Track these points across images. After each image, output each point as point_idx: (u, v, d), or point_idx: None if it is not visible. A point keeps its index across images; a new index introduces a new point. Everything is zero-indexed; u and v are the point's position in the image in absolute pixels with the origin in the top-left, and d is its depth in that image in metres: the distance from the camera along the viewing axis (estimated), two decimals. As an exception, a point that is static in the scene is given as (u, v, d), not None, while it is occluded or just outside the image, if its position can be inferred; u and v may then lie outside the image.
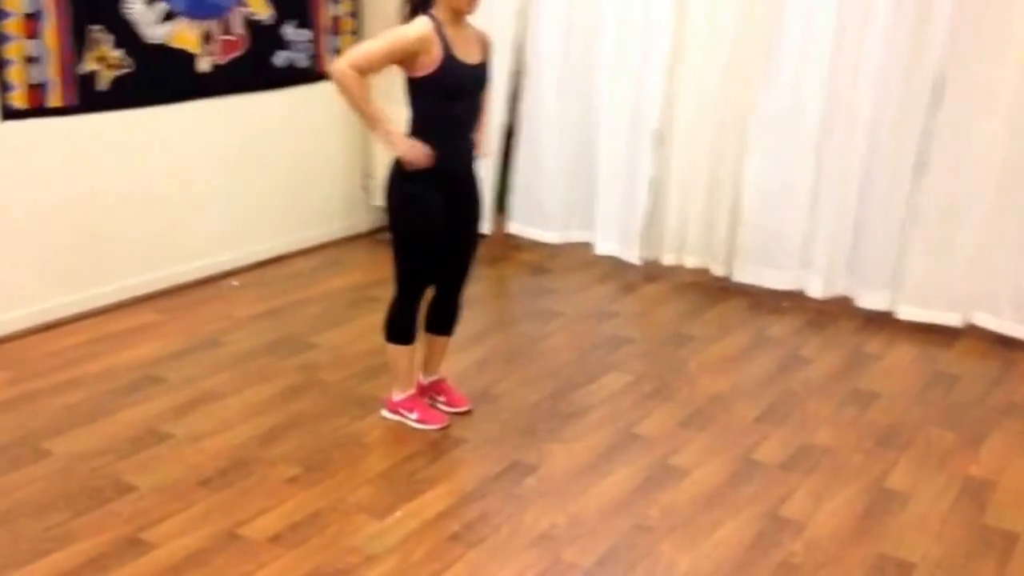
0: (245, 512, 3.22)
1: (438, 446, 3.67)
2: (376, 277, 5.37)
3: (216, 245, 5.34)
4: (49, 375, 4.17)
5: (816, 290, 5.00)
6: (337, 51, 5.75)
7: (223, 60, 5.15)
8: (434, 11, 3.45)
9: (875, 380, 4.29)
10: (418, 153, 3.46)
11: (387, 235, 3.71)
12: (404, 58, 3.40)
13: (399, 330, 3.75)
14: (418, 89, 3.48)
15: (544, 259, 5.70)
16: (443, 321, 3.86)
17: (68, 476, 3.42)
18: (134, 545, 3.04)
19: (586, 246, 5.66)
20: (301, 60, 5.57)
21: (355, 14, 5.80)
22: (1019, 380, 4.32)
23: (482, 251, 5.39)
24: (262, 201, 5.54)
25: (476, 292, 4.95)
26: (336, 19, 5.71)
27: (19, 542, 3.04)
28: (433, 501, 3.30)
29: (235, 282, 5.30)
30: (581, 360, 4.42)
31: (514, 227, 5.81)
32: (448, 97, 3.49)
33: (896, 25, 4.58)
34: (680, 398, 4.06)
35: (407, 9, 3.52)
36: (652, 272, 5.46)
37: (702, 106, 5.13)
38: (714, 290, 5.28)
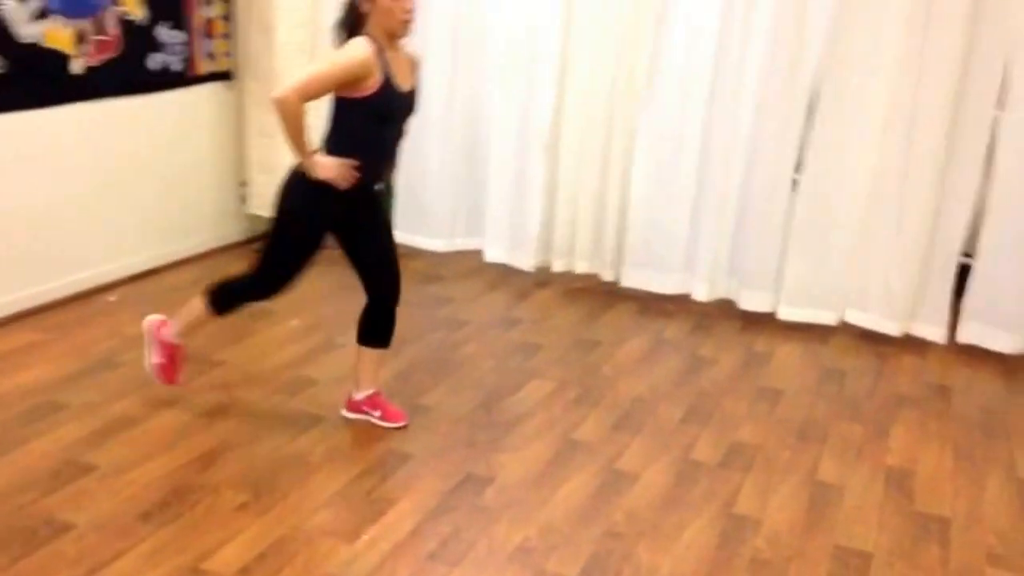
0: (202, 545, 3.06)
1: (386, 463, 3.61)
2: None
3: (89, 258, 5.01)
4: (-67, 405, 3.82)
5: (701, 294, 5.23)
6: (210, 55, 5.53)
7: (96, 62, 4.83)
8: (371, 31, 3.38)
9: (773, 378, 4.54)
10: (345, 171, 3.41)
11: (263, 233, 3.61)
12: (347, 82, 3.33)
13: (225, 303, 3.73)
14: (349, 110, 3.40)
15: (433, 267, 5.66)
16: (380, 333, 3.80)
17: (-7, 517, 3.15)
18: (94, 588, 2.84)
19: (473, 254, 5.68)
20: (175, 63, 5.30)
21: (228, 17, 5.58)
22: (897, 373, 4.67)
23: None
24: (135, 211, 5.24)
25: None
26: (209, 21, 5.47)
27: (-36, 594, 2.79)
28: (399, 520, 3.25)
29: (112, 297, 5.00)
30: (500, 368, 4.44)
31: (398, 236, 5.71)
32: (379, 121, 3.46)
33: (774, 39, 4.84)
34: (605, 403, 4.16)
35: (343, 32, 3.43)
36: (541, 278, 5.54)
37: (589, 114, 5.25)
38: (603, 295, 5.42)
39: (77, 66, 4.74)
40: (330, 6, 5.52)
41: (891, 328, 4.92)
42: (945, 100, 4.62)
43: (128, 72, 5.02)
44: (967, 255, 4.87)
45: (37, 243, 4.73)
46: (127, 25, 4.98)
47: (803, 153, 4.94)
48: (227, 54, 5.64)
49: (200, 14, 5.39)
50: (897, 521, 3.41)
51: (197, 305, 3.74)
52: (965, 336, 4.85)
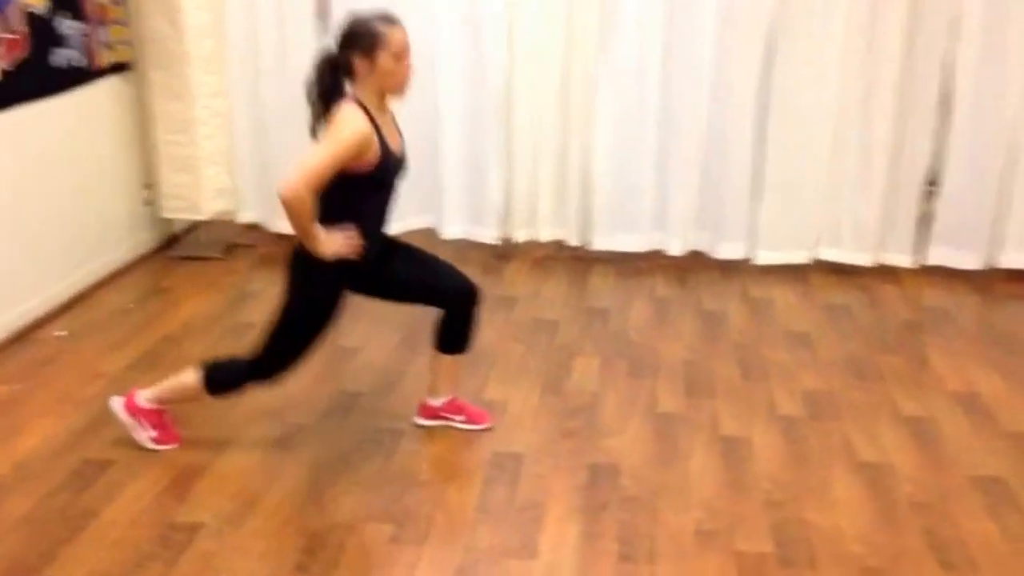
0: (378, 589, 2.77)
1: (503, 467, 3.36)
2: (223, 299, 4.79)
3: (16, 291, 4.32)
4: (-53, 488, 3.19)
5: (675, 248, 5.22)
6: (107, 44, 4.88)
7: (9, 65, 4.15)
8: (357, 94, 3.08)
9: (790, 322, 4.60)
10: (351, 244, 3.12)
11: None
12: (349, 161, 3.01)
13: (224, 385, 3.33)
14: (347, 184, 3.05)
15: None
16: (461, 338, 3.50)
17: (122, 605, 2.68)
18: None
19: (426, 232, 5.38)
20: (77, 58, 4.65)
21: (119, 1, 4.93)
22: (888, 301, 4.86)
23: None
24: (53, 230, 4.56)
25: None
26: (102, 7, 4.82)
27: None
28: (560, 525, 3.04)
29: (61, 332, 4.36)
30: (535, 351, 4.25)
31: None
32: (377, 189, 3.19)
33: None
34: (662, 371, 4.07)
35: (319, 104, 3.10)
36: (503, 251, 5.34)
37: (543, 74, 5.07)
38: (573, 261, 5.31)
39: (-6, 71, 4.07)
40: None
41: (864, 259, 5.12)
42: (900, 35, 4.80)
43: (37, 73, 4.35)
44: (931, 184, 5.11)
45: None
46: (31, 19, 4.30)
47: (766, 96, 5.00)
48: (124, 42, 5.01)
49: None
50: (1002, 445, 3.55)
51: (189, 380, 3.32)
52: (933, 259, 5.12)
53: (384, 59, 3.04)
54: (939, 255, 5.10)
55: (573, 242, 5.31)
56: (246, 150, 5.35)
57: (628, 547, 2.95)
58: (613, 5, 4.95)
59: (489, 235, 5.29)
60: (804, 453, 3.47)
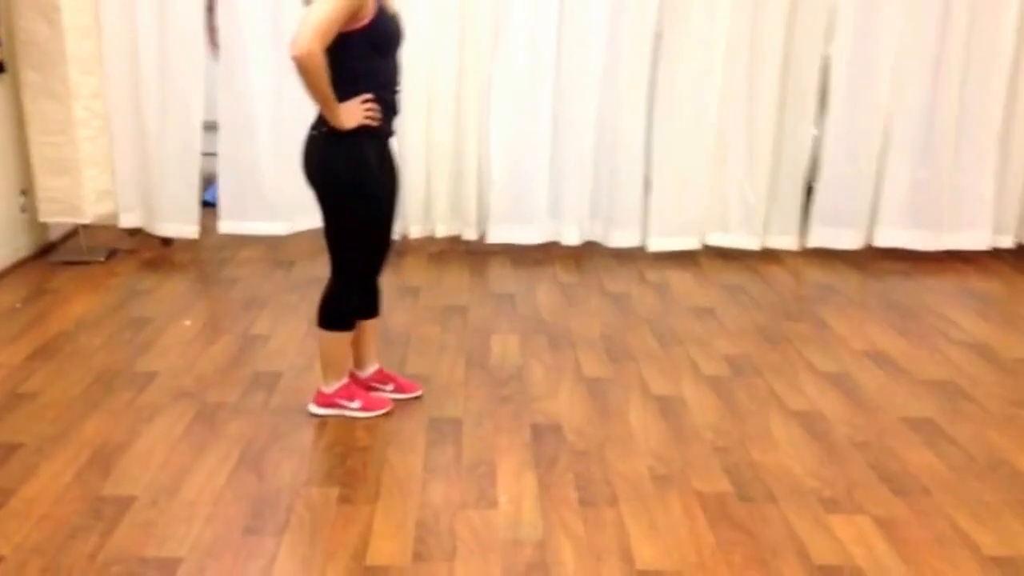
0: (346, 543, 2.62)
1: (441, 431, 3.26)
2: (113, 297, 4.54)
3: None
4: None
5: (571, 238, 5.24)
6: (-28, 31, 4.58)
7: None
8: None
9: (692, 299, 4.68)
10: (369, 109, 3.04)
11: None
12: (349, 15, 2.93)
13: (340, 315, 3.29)
14: (347, 46, 2.98)
15: (279, 252, 5.15)
16: (371, 303, 3.43)
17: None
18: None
19: (317, 233, 5.21)
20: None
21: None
22: (779, 278, 5.00)
23: (199, 255, 5.18)
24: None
25: (241, 295, 4.65)
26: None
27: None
28: (515, 478, 2.97)
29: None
30: (450, 331, 4.17)
31: (227, 225, 5.16)
32: (378, 52, 3.10)
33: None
34: (581, 344, 4.06)
35: None
36: (399, 247, 5.23)
37: (437, 75, 5.04)
38: (468, 254, 5.27)
39: None
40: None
41: (751, 243, 5.28)
42: (780, 31, 5.01)
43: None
44: (811, 170, 5.32)
45: None
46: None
47: (654, 92, 5.11)
48: (-5, 44, 4.72)
49: (-34, -3, 4.45)
50: (922, 390, 3.68)
51: (324, 340, 3.30)
52: (814, 241, 5.32)
53: None
54: (819, 236, 5.31)
55: (468, 236, 5.27)
56: (125, 152, 5.11)
57: (587, 493, 2.90)
58: (507, 3, 4.98)
59: (396, 231, 5.16)
60: (737, 405, 3.51)
